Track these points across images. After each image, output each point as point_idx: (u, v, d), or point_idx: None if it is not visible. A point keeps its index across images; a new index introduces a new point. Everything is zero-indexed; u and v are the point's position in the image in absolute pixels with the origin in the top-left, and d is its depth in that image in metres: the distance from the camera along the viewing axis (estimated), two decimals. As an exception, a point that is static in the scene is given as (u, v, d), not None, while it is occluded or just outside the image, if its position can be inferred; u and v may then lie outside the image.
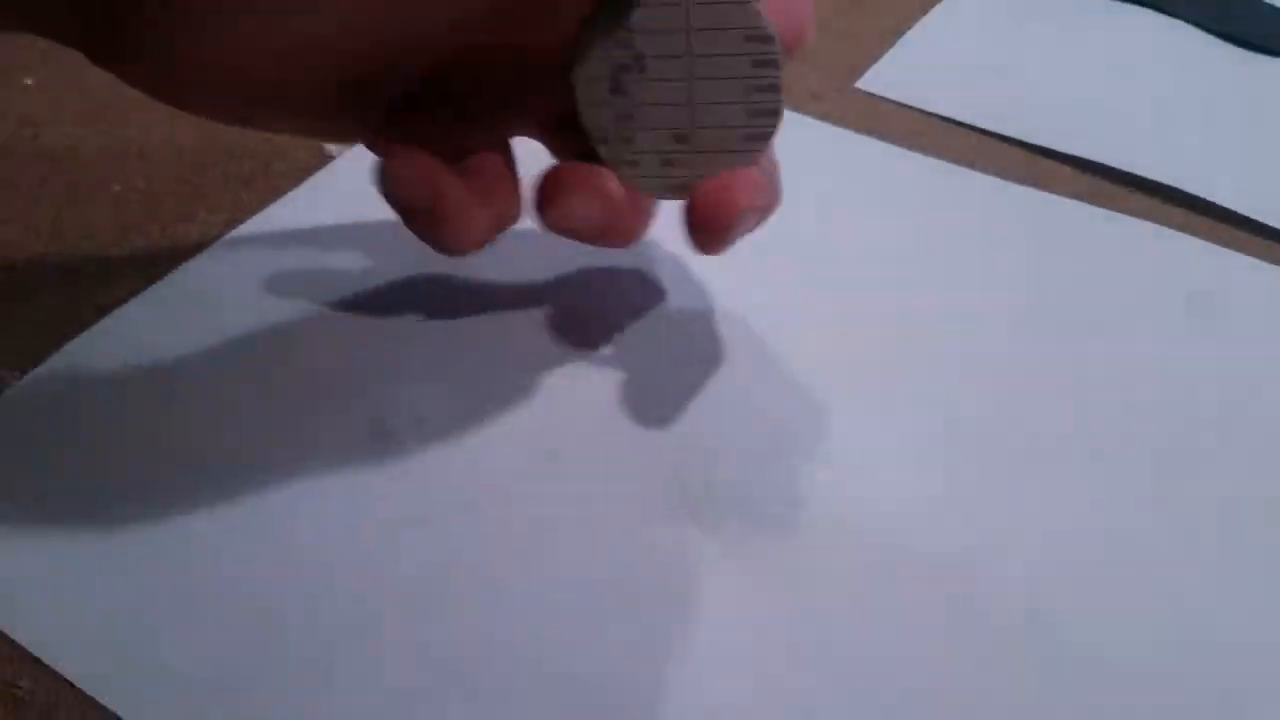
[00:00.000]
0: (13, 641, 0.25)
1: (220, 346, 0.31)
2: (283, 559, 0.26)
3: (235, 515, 0.27)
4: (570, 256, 0.33)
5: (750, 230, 0.26)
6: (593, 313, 0.32)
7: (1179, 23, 0.44)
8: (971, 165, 0.37)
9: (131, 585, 0.25)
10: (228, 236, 0.34)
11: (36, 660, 0.24)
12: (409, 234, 0.25)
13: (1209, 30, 0.44)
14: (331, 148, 0.37)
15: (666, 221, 0.27)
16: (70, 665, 0.24)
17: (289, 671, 0.24)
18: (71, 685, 0.24)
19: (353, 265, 0.33)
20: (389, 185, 0.24)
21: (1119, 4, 0.45)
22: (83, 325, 0.31)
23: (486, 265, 0.32)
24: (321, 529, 0.27)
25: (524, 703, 0.23)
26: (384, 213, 0.24)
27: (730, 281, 0.33)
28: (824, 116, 0.39)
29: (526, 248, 0.32)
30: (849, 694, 0.24)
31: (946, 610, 0.25)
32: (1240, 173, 0.37)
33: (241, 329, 0.31)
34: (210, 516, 0.27)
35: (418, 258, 0.30)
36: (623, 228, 0.26)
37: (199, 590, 0.25)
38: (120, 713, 0.23)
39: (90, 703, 0.24)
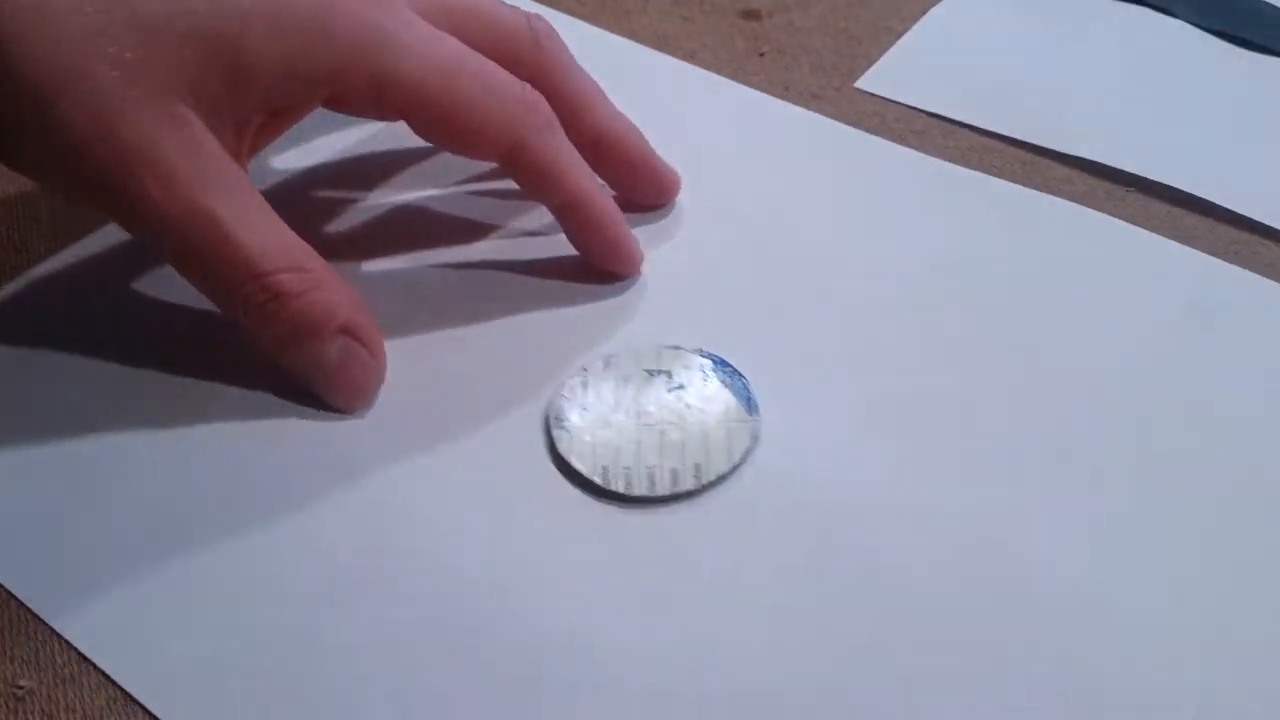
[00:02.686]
0: (13, 640, 0.25)
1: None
2: (266, 547, 0.26)
3: (223, 497, 0.27)
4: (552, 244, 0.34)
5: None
6: (583, 296, 0.32)
7: (1179, 22, 0.44)
8: (971, 165, 0.37)
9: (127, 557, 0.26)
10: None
11: (36, 659, 0.24)
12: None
13: (1209, 30, 0.44)
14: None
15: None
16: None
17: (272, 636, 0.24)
18: (72, 684, 0.24)
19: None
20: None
21: (1119, 3, 0.45)
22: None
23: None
24: (307, 513, 0.27)
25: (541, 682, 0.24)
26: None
27: (726, 275, 0.33)
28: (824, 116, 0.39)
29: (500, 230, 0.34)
30: (837, 690, 0.24)
31: (936, 615, 0.25)
32: (1240, 173, 0.37)
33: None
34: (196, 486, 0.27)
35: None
36: None
37: (201, 588, 0.26)
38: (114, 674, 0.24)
39: (91, 700, 0.24)
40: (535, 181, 0.30)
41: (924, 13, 0.44)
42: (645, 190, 0.34)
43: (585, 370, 0.30)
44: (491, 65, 0.29)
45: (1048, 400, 0.30)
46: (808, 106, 0.39)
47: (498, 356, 0.31)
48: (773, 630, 0.25)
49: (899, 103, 0.40)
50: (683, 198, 0.35)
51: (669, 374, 0.30)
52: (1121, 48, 0.43)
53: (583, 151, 0.31)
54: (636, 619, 0.25)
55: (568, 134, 0.30)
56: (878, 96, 0.40)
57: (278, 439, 0.29)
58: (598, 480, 0.27)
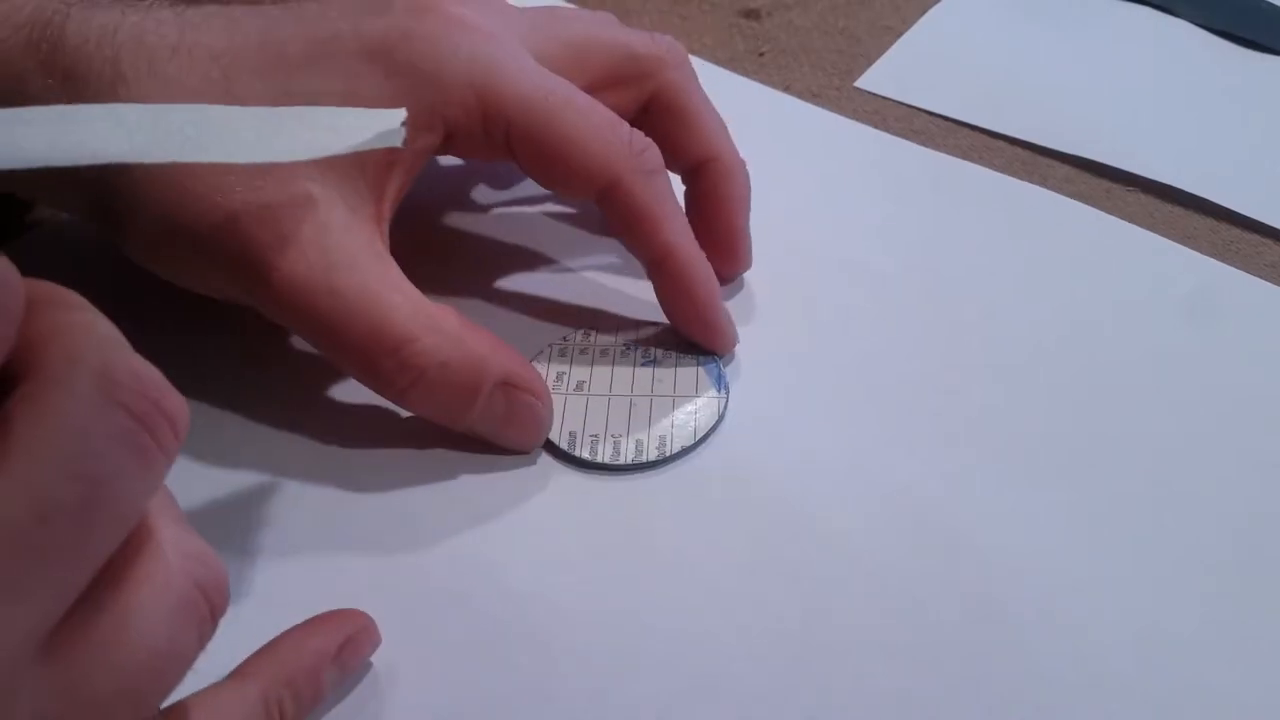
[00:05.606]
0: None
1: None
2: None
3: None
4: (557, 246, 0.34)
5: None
6: (588, 297, 0.32)
7: (1179, 21, 0.44)
8: (971, 163, 0.37)
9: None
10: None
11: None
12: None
13: (1209, 29, 0.44)
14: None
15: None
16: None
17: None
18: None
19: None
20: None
21: (1119, 3, 0.45)
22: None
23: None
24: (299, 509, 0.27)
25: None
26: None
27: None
28: (823, 116, 0.39)
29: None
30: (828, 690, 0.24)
31: (927, 615, 0.25)
32: (1240, 172, 0.37)
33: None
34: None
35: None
36: None
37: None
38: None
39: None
40: (628, 227, 0.28)
41: (924, 13, 0.44)
42: (720, 242, 0.31)
43: (563, 340, 0.30)
44: (598, 104, 0.28)
45: (1035, 395, 0.30)
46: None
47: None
48: (726, 600, 0.25)
49: (899, 102, 0.40)
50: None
51: (643, 348, 0.30)
52: (1122, 47, 0.43)
53: (684, 176, 0.30)
54: (593, 582, 0.26)
55: (673, 159, 0.29)
56: (878, 96, 0.40)
57: (261, 414, 0.29)
58: (564, 446, 0.28)
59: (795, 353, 0.31)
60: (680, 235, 0.28)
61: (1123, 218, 0.35)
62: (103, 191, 0.26)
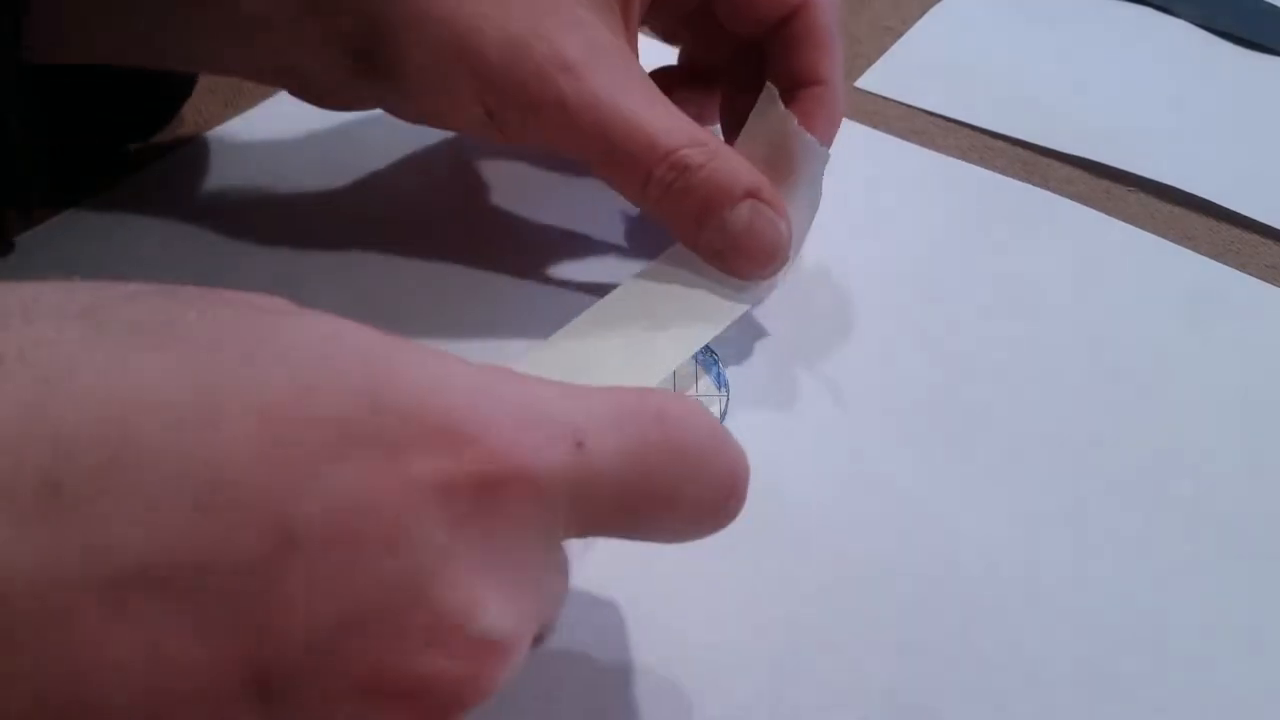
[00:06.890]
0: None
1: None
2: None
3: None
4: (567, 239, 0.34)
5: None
6: (580, 297, 0.32)
7: (1179, 22, 0.44)
8: (972, 164, 0.37)
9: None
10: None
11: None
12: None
13: (1208, 29, 0.44)
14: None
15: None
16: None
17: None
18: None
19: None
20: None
21: (1119, 3, 0.45)
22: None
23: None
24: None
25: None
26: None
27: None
28: (824, 116, 0.39)
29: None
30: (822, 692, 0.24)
31: (927, 614, 0.25)
32: (1240, 172, 0.37)
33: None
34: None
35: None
36: None
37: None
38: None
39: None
40: (802, 47, 0.30)
41: (924, 13, 0.44)
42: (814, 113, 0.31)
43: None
44: None
45: (1035, 395, 0.30)
46: (808, 106, 0.39)
47: (480, 326, 0.31)
48: (728, 598, 0.25)
49: (899, 102, 0.40)
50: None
51: None
52: (1122, 48, 0.43)
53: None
54: (600, 582, 0.25)
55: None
56: (878, 96, 0.40)
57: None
58: None
59: (793, 352, 0.31)
60: (838, 69, 0.31)
61: (1122, 218, 0.35)
62: (367, 42, 0.28)
